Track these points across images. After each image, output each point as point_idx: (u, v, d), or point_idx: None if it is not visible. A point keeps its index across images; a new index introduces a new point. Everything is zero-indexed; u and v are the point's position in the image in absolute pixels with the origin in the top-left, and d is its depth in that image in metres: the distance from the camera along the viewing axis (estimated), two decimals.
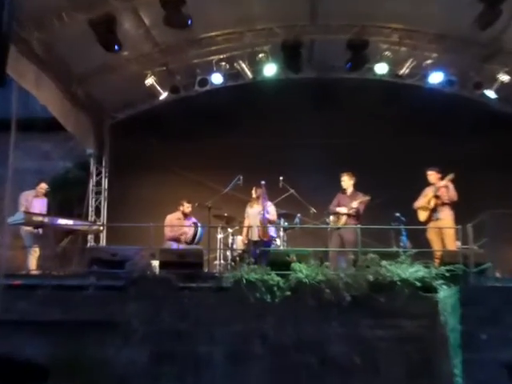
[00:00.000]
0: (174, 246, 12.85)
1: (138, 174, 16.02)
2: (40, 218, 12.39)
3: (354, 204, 12.44)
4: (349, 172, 12.83)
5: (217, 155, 15.64)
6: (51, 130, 15.37)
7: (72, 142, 16.15)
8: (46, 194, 13.15)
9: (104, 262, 10.87)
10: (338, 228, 12.39)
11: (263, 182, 12.71)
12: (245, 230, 12.89)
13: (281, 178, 13.29)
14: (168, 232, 13.11)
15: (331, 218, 12.67)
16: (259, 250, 11.80)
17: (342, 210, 12.52)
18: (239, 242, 13.18)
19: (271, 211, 12.81)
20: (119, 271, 10.56)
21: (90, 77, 14.58)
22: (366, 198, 12.54)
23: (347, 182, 12.72)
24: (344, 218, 12.52)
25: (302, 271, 10.29)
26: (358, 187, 12.83)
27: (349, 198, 12.65)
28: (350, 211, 12.44)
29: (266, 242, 12.54)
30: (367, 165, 14.49)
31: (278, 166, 14.61)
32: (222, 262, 13.16)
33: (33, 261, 12.49)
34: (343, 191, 12.79)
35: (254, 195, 13.01)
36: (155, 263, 11.08)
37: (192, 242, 13.15)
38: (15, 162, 9.65)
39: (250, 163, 14.96)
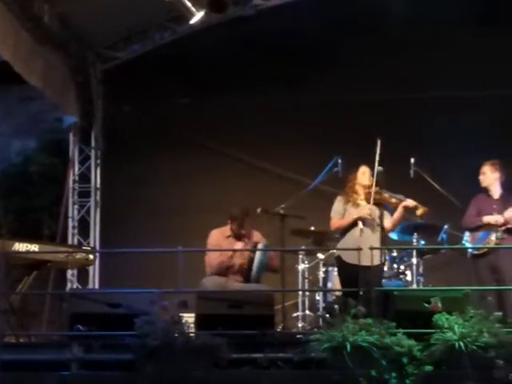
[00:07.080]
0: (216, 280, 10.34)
1: (153, 160, 13.11)
2: None
3: (510, 212, 10.31)
4: (494, 161, 10.72)
5: (287, 120, 12.96)
6: None
7: (35, 104, 13.96)
8: None
9: (96, 318, 8.91)
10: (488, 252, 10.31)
11: (379, 142, 10.02)
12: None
13: (412, 159, 10.76)
14: (212, 259, 10.43)
15: (467, 235, 10.57)
16: (374, 289, 9.09)
17: (494, 219, 10.51)
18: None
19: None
20: (124, 335, 8.56)
21: None
22: None
23: (489, 176, 10.70)
24: (494, 236, 10.42)
25: (453, 328, 8.41)
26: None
27: (498, 203, 10.65)
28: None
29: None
30: None
31: (404, 140, 12.13)
32: (307, 313, 11.29)
33: None
34: (486, 192, 10.76)
35: (362, 180, 10.29)
36: (189, 319, 9.00)
37: (246, 278, 10.46)
38: None
39: (350, 135, 12.37)
